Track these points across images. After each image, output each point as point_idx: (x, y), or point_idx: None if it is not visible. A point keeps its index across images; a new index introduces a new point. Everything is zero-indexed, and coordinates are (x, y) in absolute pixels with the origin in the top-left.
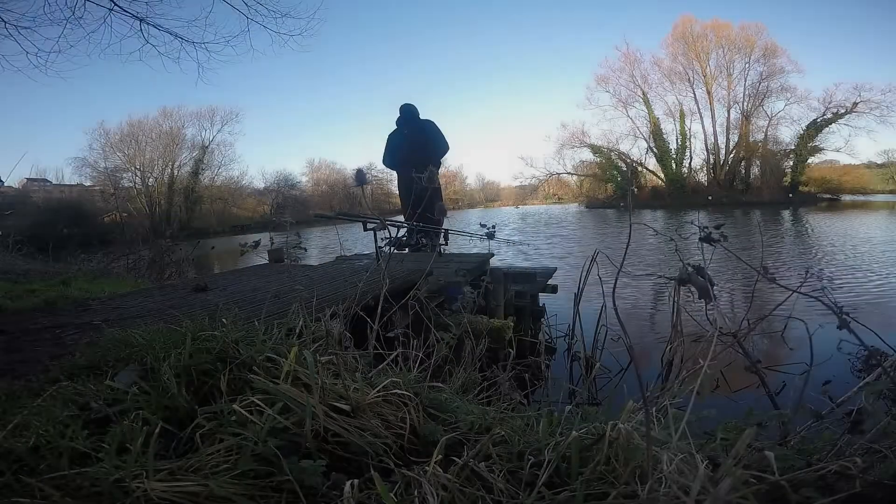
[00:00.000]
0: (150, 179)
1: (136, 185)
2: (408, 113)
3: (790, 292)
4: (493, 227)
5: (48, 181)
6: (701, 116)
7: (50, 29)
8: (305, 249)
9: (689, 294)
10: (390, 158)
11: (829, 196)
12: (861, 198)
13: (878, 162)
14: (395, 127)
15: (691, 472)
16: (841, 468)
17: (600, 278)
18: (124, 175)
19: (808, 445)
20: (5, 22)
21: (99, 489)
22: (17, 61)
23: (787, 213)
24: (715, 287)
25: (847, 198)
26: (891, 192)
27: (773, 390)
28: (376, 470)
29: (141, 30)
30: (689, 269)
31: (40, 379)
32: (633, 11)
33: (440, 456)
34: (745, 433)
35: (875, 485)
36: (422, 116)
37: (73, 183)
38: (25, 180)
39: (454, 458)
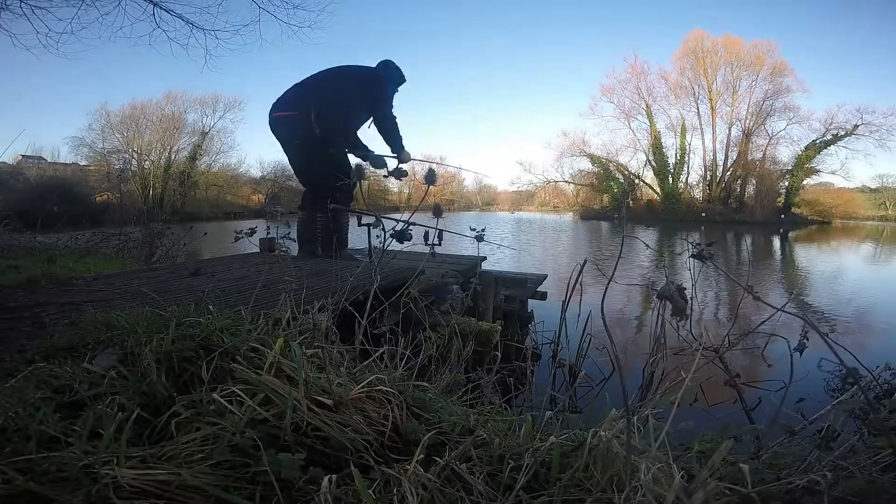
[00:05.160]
0: (147, 162)
1: (132, 168)
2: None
3: (774, 311)
4: (483, 230)
5: (44, 159)
6: (702, 132)
7: (63, 10)
8: (295, 240)
9: (671, 308)
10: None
11: (819, 220)
12: (851, 223)
13: (872, 186)
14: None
15: (667, 482)
16: (809, 483)
17: (581, 287)
18: (122, 157)
19: (779, 460)
20: (22, 1)
21: (66, 475)
22: (26, 40)
23: (776, 240)
24: (690, 304)
25: (837, 222)
26: (881, 218)
27: (750, 405)
28: (356, 466)
29: (154, 14)
30: (673, 286)
31: (15, 359)
32: (644, 25)
33: (422, 455)
34: (722, 446)
35: (840, 501)
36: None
37: (67, 162)
38: (21, 157)
39: (436, 458)
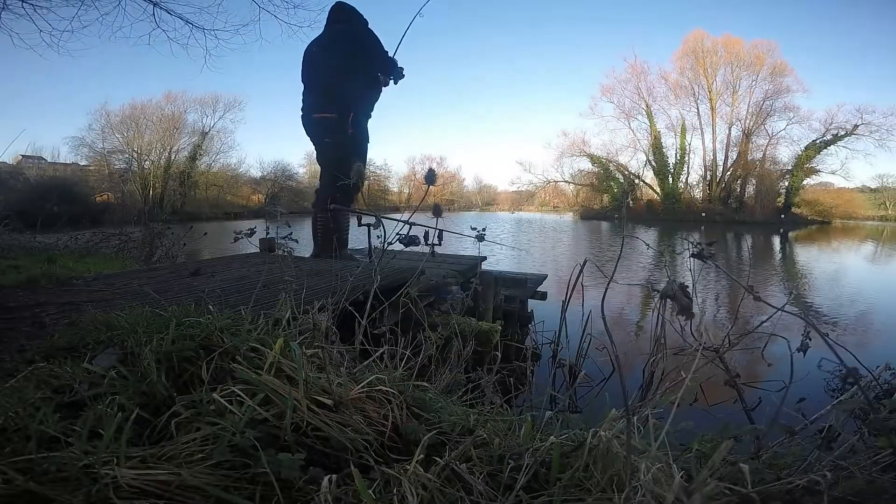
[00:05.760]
0: (147, 163)
1: (132, 168)
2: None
3: (774, 310)
4: (483, 230)
5: (43, 159)
6: (702, 132)
7: (64, 9)
8: (297, 241)
9: (673, 308)
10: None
11: (819, 220)
12: (851, 223)
13: (872, 186)
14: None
15: (667, 482)
16: (809, 483)
17: (582, 287)
18: (121, 157)
19: (779, 460)
20: (23, 0)
21: (66, 475)
22: (29, 38)
23: (776, 240)
24: (695, 303)
25: (837, 222)
26: (881, 218)
27: (750, 405)
28: (356, 466)
29: (153, 14)
30: (676, 284)
31: (15, 359)
32: (644, 25)
33: (422, 455)
34: (722, 446)
35: (840, 501)
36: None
37: (67, 162)
38: (21, 157)
39: (436, 458)
